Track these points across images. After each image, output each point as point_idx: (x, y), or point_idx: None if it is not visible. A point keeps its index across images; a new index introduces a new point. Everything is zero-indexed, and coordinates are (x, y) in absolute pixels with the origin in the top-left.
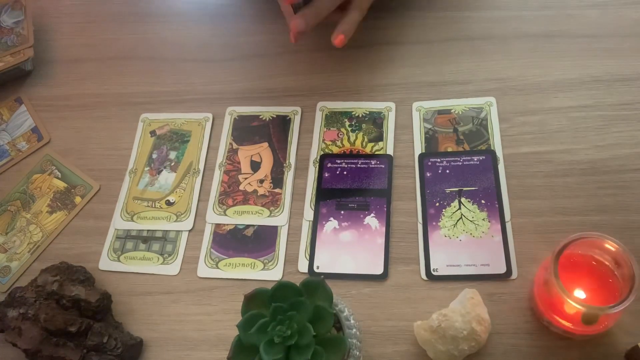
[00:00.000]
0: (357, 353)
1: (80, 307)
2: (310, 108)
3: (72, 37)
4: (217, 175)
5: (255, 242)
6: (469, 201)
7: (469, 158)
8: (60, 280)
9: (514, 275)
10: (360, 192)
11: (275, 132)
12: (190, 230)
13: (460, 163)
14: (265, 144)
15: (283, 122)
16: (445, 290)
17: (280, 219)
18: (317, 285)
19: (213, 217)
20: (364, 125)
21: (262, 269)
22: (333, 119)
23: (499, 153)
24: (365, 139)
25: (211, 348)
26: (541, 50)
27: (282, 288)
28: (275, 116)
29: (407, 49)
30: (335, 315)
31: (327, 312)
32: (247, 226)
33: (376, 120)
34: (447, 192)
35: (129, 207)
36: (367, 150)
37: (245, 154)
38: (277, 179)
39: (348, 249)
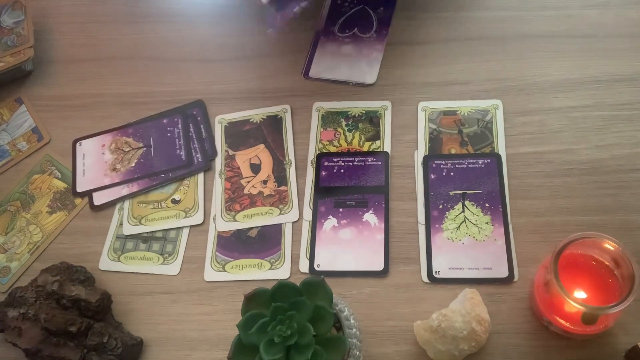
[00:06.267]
0: (357, 353)
1: (80, 307)
2: (306, 109)
3: (72, 37)
4: (219, 184)
5: (260, 243)
6: (472, 204)
7: (473, 161)
8: (61, 280)
9: (516, 279)
10: (358, 189)
11: (269, 132)
12: (201, 224)
13: (465, 166)
14: (262, 146)
15: (275, 122)
16: (445, 290)
17: (291, 215)
18: (317, 285)
19: (223, 224)
20: (360, 125)
21: (269, 269)
22: (329, 119)
23: (503, 156)
24: (362, 138)
25: (211, 348)
26: (541, 50)
27: (282, 288)
28: (265, 117)
29: (407, 49)
30: (336, 315)
31: (327, 312)
32: (251, 227)
33: (372, 119)
34: (451, 194)
35: (135, 211)
36: (365, 149)
37: (243, 158)
38: (280, 177)
39: (348, 247)
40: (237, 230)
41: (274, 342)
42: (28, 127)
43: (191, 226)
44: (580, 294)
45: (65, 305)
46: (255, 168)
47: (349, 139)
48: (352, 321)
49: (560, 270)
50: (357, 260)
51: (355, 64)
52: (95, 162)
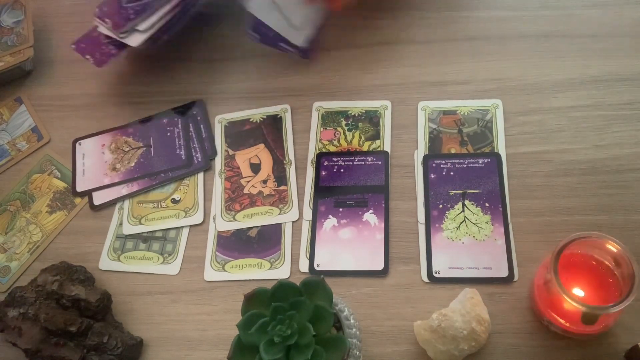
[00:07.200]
0: (357, 353)
1: (80, 307)
2: (306, 108)
3: (72, 37)
4: (219, 184)
5: (260, 242)
6: (472, 204)
7: (473, 160)
8: (60, 280)
9: (516, 279)
10: (358, 189)
11: (269, 132)
12: (201, 224)
13: (465, 165)
14: (262, 145)
15: (275, 121)
16: (445, 290)
17: (291, 215)
18: (317, 284)
19: (223, 224)
20: (360, 124)
21: (269, 269)
22: (329, 119)
23: (503, 156)
24: (362, 138)
25: (211, 348)
26: (541, 50)
27: (282, 288)
28: (265, 117)
29: (407, 49)
30: (335, 315)
31: (327, 312)
32: (251, 227)
33: (372, 119)
34: (450, 194)
35: (135, 211)
36: (365, 148)
37: (243, 158)
38: (280, 177)
39: (348, 246)
40: (237, 230)
41: (274, 342)
42: (28, 126)
43: (191, 226)
44: (580, 294)
45: (65, 305)
46: (255, 168)
47: (348, 139)
48: (352, 321)
49: (560, 270)
50: (357, 260)
51: (289, 17)
52: (95, 162)
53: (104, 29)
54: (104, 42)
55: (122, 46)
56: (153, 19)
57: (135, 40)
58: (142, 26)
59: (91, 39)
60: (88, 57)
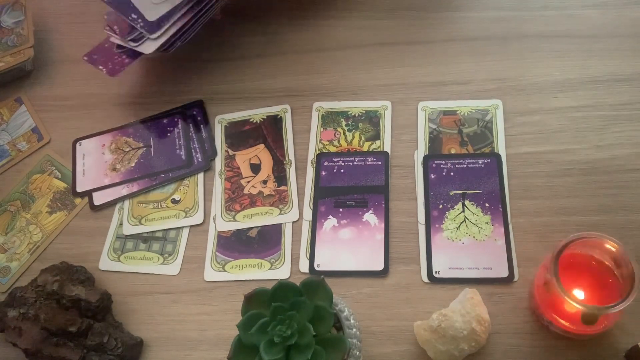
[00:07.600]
0: (357, 353)
1: (80, 307)
2: (306, 109)
3: (72, 37)
4: (219, 184)
5: (261, 242)
6: (472, 204)
7: (473, 161)
8: (61, 280)
9: (516, 279)
10: (358, 189)
11: (269, 132)
12: (201, 224)
13: (465, 166)
14: (262, 146)
15: (275, 122)
16: (445, 290)
17: (291, 215)
18: (317, 285)
19: (223, 224)
20: (360, 125)
21: (269, 269)
22: (329, 119)
23: (503, 156)
24: (362, 138)
25: (211, 348)
26: (541, 50)
27: (282, 288)
28: (265, 117)
29: (407, 49)
30: (336, 315)
31: (327, 312)
32: (251, 227)
33: (372, 119)
34: (450, 194)
35: (135, 211)
36: (365, 149)
37: (243, 158)
38: (280, 177)
39: (348, 246)
40: (237, 230)
41: (274, 342)
42: (28, 127)
43: (191, 226)
44: (580, 294)
45: (65, 305)
46: (255, 168)
47: (349, 139)
48: (352, 321)
49: (560, 270)
50: (357, 260)
51: None
52: (95, 162)
53: (115, 39)
54: (116, 52)
55: (135, 54)
56: (165, 25)
57: (148, 47)
58: (154, 33)
59: (103, 50)
60: (101, 67)
